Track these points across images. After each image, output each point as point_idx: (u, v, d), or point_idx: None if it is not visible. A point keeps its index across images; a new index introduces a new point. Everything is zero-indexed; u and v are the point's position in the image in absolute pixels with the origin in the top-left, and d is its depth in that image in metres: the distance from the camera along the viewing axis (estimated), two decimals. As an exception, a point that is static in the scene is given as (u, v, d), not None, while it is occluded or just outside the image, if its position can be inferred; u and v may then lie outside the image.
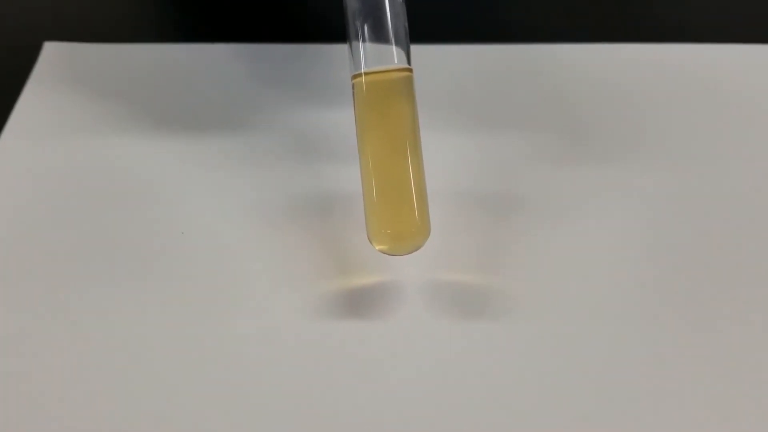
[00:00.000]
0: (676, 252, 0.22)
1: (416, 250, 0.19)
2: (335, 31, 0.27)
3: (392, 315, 0.21)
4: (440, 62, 0.28)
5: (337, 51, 0.28)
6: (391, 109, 0.20)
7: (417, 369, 0.20)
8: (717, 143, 0.25)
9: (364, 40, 0.20)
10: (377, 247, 0.19)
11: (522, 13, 0.31)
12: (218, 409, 0.19)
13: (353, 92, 0.21)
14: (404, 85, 0.20)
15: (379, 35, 0.20)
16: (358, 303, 0.21)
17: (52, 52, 0.29)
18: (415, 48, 0.21)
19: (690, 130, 0.26)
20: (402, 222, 0.19)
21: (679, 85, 0.27)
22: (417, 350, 0.20)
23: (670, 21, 0.30)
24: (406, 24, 0.21)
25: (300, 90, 0.27)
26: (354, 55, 0.21)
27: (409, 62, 0.21)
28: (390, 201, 0.19)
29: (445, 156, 0.24)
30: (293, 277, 0.22)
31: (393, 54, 0.20)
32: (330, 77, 0.28)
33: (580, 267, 0.22)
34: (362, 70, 0.20)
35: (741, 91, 0.27)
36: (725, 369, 0.20)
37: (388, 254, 0.20)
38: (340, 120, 0.25)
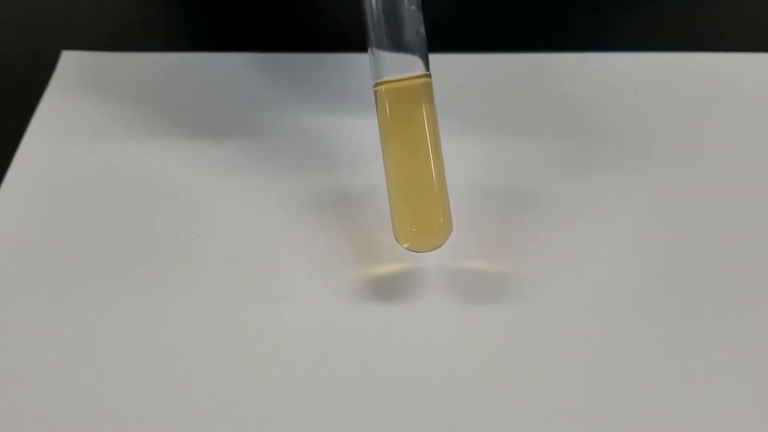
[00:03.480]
0: (684, 250, 0.23)
1: (440, 246, 0.20)
2: (348, 40, 0.28)
3: (413, 301, 0.22)
4: (453, 71, 0.29)
5: (348, 60, 0.29)
6: (412, 114, 0.21)
7: (437, 353, 0.21)
8: (726, 147, 0.26)
9: (383, 49, 0.21)
10: (404, 245, 0.20)
11: (532, 23, 0.32)
12: (236, 405, 0.20)
13: (375, 100, 0.21)
14: (424, 91, 0.21)
15: (398, 43, 0.21)
16: (380, 290, 0.22)
17: (69, 60, 0.29)
18: (430, 57, 0.22)
19: (700, 134, 0.26)
20: (426, 221, 0.20)
21: (689, 92, 0.28)
22: (437, 335, 0.21)
23: (681, 30, 0.31)
24: (423, 31, 0.21)
25: (313, 98, 0.28)
26: (375, 63, 0.21)
27: (427, 68, 0.21)
28: (414, 202, 0.20)
29: (460, 159, 0.25)
30: (312, 272, 0.22)
31: (412, 61, 0.21)
32: (343, 85, 0.28)
33: (591, 260, 0.23)
34: (383, 79, 0.21)
35: (750, 97, 0.28)
36: (727, 367, 0.20)
37: (414, 251, 0.21)
38: (351, 126, 0.26)
